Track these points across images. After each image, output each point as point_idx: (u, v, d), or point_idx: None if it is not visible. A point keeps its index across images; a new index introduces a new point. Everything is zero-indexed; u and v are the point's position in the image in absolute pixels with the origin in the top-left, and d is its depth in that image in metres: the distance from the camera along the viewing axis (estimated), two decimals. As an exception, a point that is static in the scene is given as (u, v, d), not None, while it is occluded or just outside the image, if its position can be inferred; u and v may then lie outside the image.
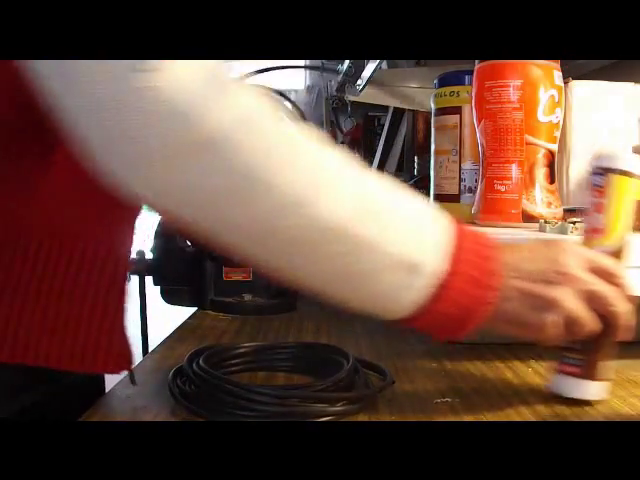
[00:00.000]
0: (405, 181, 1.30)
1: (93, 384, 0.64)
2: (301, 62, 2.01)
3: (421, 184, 1.23)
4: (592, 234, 0.55)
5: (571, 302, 0.48)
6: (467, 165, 0.90)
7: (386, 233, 0.43)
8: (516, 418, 0.52)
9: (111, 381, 0.62)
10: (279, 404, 0.52)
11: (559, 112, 0.72)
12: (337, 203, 0.41)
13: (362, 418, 0.51)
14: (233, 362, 0.65)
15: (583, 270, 0.49)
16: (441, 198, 0.92)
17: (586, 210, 0.57)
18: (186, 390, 0.55)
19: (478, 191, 0.78)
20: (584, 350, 0.54)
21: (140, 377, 0.61)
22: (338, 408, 0.52)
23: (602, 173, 0.55)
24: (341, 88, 1.73)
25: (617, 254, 0.54)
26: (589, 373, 0.54)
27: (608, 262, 0.51)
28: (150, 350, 0.76)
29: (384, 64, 1.28)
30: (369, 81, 1.34)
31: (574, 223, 0.62)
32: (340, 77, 1.63)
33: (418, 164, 1.64)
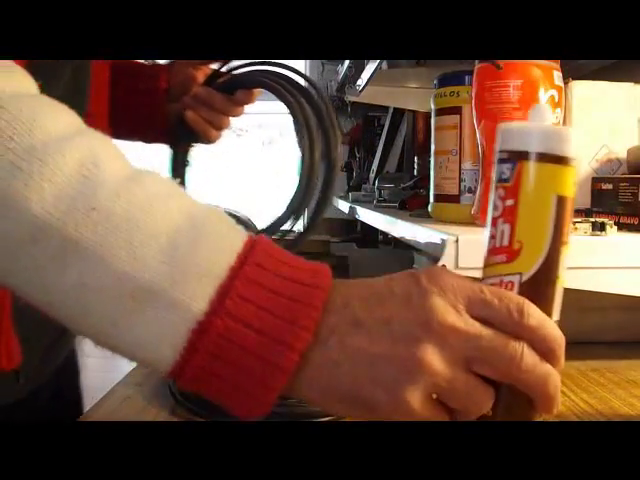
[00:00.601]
0: (405, 181, 1.30)
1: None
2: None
3: (421, 184, 1.23)
4: (494, 256, 0.37)
5: (443, 366, 0.32)
6: (467, 165, 0.89)
7: (113, 244, 0.31)
8: (516, 418, 0.52)
9: (111, 381, 0.62)
10: (279, 404, 0.52)
11: (559, 112, 0.72)
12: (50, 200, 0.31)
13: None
14: None
15: (463, 316, 0.32)
16: (441, 198, 0.92)
17: (489, 219, 0.38)
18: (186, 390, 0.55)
19: (478, 191, 0.78)
20: None
21: (140, 377, 0.61)
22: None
23: (511, 160, 0.36)
24: (341, 88, 1.73)
25: (535, 286, 0.35)
26: None
27: (508, 298, 0.33)
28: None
29: (384, 64, 1.28)
30: (369, 81, 1.34)
31: (574, 223, 0.62)
32: (340, 77, 1.63)
33: (418, 164, 1.64)
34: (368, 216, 1.21)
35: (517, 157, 0.36)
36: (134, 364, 0.59)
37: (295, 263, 0.34)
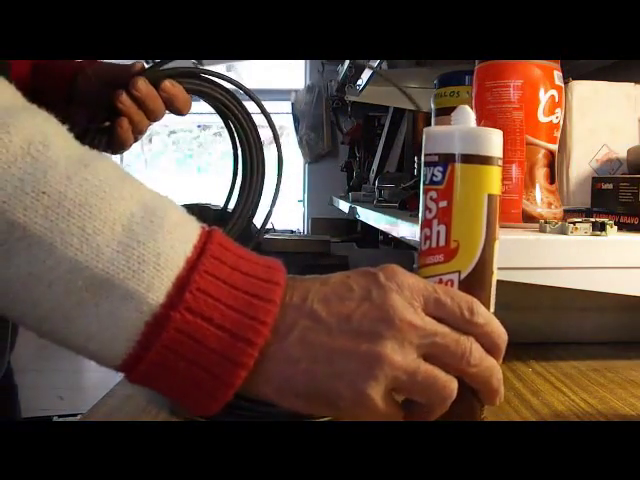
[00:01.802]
0: (405, 181, 1.30)
1: None
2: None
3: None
4: (431, 256, 0.38)
5: (403, 360, 0.32)
6: (467, 165, 0.90)
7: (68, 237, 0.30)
8: (516, 418, 0.52)
9: (111, 381, 0.62)
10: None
11: (559, 112, 0.72)
12: None
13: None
14: None
15: (419, 313, 0.33)
16: (441, 198, 0.92)
17: (421, 221, 0.39)
18: None
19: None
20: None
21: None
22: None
23: (441, 163, 0.37)
24: (341, 88, 1.73)
25: (473, 283, 0.37)
26: None
27: (459, 297, 0.35)
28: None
29: (384, 64, 1.28)
30: (369, 81, 1.34)
31: (574, 223, 0.62)
32: (340, 77, 1.63)
33: (418, 164, 1.64)
34: (368, 216, 1.21)
35: (447, 160, 0.37)
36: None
37: (250, 257, 0.33)
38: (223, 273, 0.32)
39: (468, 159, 0.37)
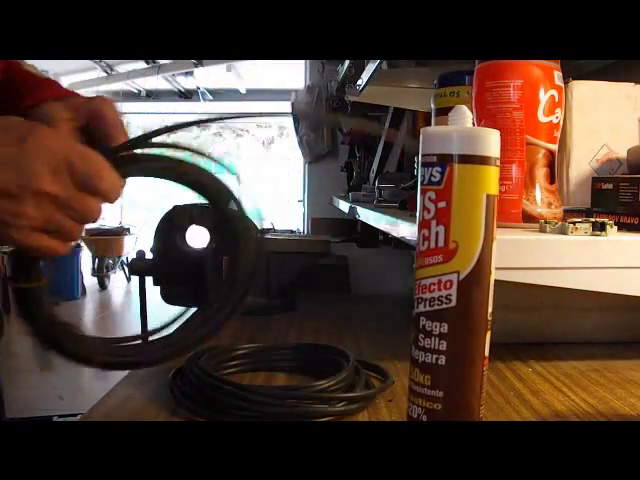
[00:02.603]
0: (405, 181, 1.30)
1: None
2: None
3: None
4: (429, 257, 0.38)
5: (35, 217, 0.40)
6: (467, 165, 0.89)
7: None
8: (516, 418, 0.52)
9: (111, 381, 0.62)
10: (279, 405, 0.52)
11: (559, 112, 0.72)
12: None
13: (362, 418, 0.51)
14: (233, 363, 0.65)
15: (55, 178, 0.40)
16: (441, 198, 0.92)
17: (419, 221, 0.39)
18: (187, 391, 0.55)
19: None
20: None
21: (140, 377, 0.61)
22: (338, 408, 0.52)
23: (439, 163, 0.37)
24: (341, 88, 1.73)
25: (473, 282, 0.38)
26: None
27: (90, 162, 0.41)
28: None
29: (384, 64, 1.28)
30: (369, 81, 1.34)
31: (574, 223, 0.62)
32: (340, 77, 1.63)
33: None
34: (368, 216, 1.21)
35: (446, 160, 0.37)
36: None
37: None
38: None
39: (467, 159, 0.37)
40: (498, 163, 0.38)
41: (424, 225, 0.38)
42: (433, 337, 0.39)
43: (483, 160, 0.37)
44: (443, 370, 0.39)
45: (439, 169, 0.37)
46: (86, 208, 0.42)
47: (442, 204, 0.37)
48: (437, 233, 0.38)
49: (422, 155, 0.39)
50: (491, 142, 0.38)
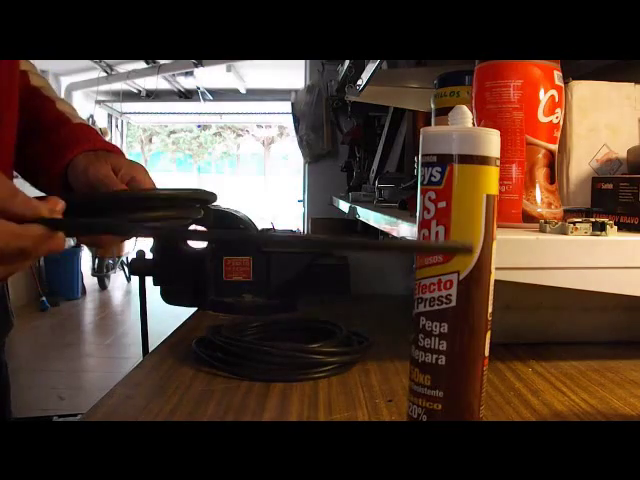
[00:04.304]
0: (405, 181, 1.30)
1: None
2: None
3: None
4: (429, 257, 0.38)
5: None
6: (467, 165, 0.89)
7: None
8: (516, 418, 0.52)
9: (111, 381, 0.62)
10: (290, 356, 0.65)
11: (559, 112, 0.72)
12: None
13: (362, 418, 0.51)
14: (248, 332, 0.78)
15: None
16: (441, 198, 0.92)
17: (419, 221, 0.39)
18: (210, 353, 0.68)
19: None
20: None
21: (140, 377, 0.61)
22: (336, 359, 0.66)
23: (439, 163, 0.37)
24: (341, 88, 1.73)
25: (473, 282, 0.38)
26: None
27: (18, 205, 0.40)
28: (150, 350, 0.76)
29: (384, 64, 1.28)
30: (369, 81, 1.34)
31: (574, 223, 0.62)
32: (340, 77, 1.63)
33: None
34: (368, 216, 1.21)
35: (446, 160, 0.36)
36: (134, 364, 0.59)
37: None
38: None
39: (467, 159, 0.37)
40: (498, 163, 0.38)
41: (424, 225, 0.39)
42: (433, 337, 0.39)
43: (483, 160, 0.37)
44: (443, 370, 0.39)
45: (439, 169, 0.37)
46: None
47: (442, 204, 0.37)
48: (437, 233, 0.38)
49: (422, 155, 0.39)
50: (491, 142, 0.38)
